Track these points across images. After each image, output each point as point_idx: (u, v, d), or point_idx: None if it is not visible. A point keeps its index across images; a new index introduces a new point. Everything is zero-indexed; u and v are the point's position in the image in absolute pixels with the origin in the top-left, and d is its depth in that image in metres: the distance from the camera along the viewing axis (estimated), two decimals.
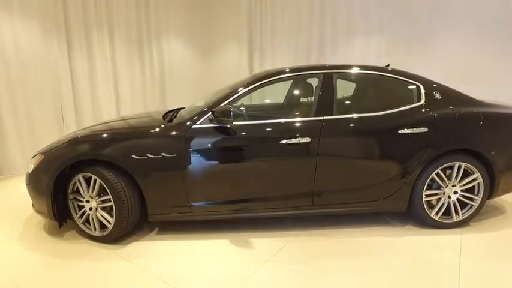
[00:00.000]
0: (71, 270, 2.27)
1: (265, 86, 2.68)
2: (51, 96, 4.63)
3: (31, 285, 2.12)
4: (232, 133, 2.53)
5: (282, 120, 2.66)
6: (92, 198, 2.56)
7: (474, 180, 2.69)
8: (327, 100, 2.66)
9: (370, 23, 5.11)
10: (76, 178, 2.57)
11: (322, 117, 2.59)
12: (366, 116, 2.66)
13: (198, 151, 2.53)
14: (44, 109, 4.57)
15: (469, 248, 2.47)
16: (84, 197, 2.59)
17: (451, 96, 2.79)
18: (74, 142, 2.58)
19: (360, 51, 5.27)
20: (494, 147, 2.66)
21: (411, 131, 2.58)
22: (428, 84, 2.78)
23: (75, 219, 2.67)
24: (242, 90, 2.64)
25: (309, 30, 5.65)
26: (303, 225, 2.83)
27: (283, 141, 2.51)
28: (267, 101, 3.70)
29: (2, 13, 4.05)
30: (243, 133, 2.56)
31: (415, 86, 2.77)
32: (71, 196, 2.63)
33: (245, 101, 3.03)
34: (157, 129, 2.60)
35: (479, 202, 2.72)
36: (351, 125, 2.62)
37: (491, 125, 2.69)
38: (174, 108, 3.40)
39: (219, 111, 2.42)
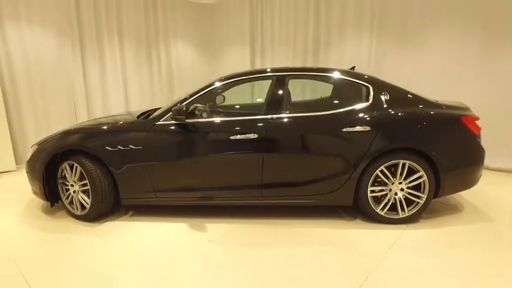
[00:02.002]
0: (53, 242, 2.74)
1: (222, 89, 2.99)
2: (66, 96, 5.27)
3: (19, 252, 2.60)
4: (189, 129, 2.88)
5: (233, 118, 2.95)
6: (75, 182, 3.03)
7: (419, 178, 2.80)
8: (276, 100, 2.92)
9: (361, 23, 5.20)
10: (63, 165, 3.05)
11: (270, 116, 2.85)
12: (312, 115, 2.87)
13: (159, 145, 2.91)
14: (60, 107, 5.21)
15: (404, 242, 2.61)
16: (69, 182, 3.06)
17: (400, 97, 2.91)
18: (62, 135, 3.06)
19: (351, 51, 5.38)
20: (437, 146, 2.76)
21: (354, 130, 2.76)
22: (378, 85, 2.93)
23: (63, 200, 3.16)
24: (200, 93, 2.98)
25: (305, 31, 5.85)
26: (258, 214, 3.11)
27: (233, 137, 2.81)
28: (239, 102, 4.00)
29: (23, 22, 4.71)
30: (198, 129, 2.89)
31: (364, 87, 2.93)
32: (60, 181, 3.12)
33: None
34: (128, 125, 3.01)
35: (424, 200, 2.83)
36: (297, 123, 2.85)
37: (435, 125, 2.78)
38: (154, 108, 3.80)
39: (175, 110, 2.77)
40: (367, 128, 2.75)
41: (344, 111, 2.85)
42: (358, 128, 2.76)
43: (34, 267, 2.36)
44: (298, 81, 4.97)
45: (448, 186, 2.85)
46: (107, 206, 3.04)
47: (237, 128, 2.84)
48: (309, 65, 5.87)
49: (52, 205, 3.22)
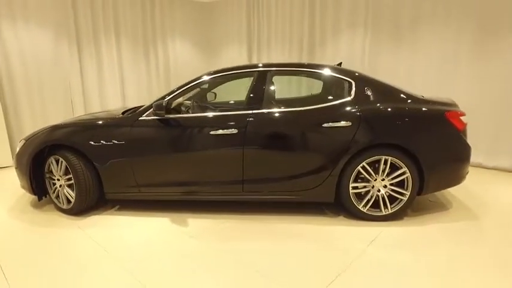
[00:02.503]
0: (38, 234, 2.78)
1: (202, 84, 3.01)
2: (63, 93, 5.35)
3: (4, 242, 2.66)
4: (170, 125, 2.89)
5: (214, 113, 2.95)
6: (61, 177, 3.08)
7: (403, 174, 2.76)
8: (257, 96, 2.91)
9: (355, 20, 5.15)
10: (50, 160, 3.10)
11: (250, 111, 2.85)
12: (292, 110, 2.86)
13: (141, 140, 2.93)
14: (57, 104, 5.29)
15: (384, 239, 2.57)
16: (55, 176, 3.11)
17: (384, 92, 2.87)
18: (48, 130, 3.10)
19: (346, 49, 5.33)
20: (420, 142, 2.71)
21: (334, 125, 2.73)
22: (361, 81, 2.89)
23: (50, 194, 3.21)
24: (182, 88, 3.00)
25: (300, 30, 5.83)
26: (241, 210, 3.10)
27: (212, 132, 2.81)
28: (230, 98, 4.00)
29: (20, 21, 4.79)
30: (179, 125, 2.90)
31: (347, 83, 2.90)
32: (47, 175, 3.17)
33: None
34: (111, 121, 3.05)
35: (407, 197, 2.79)
36: (276, 118, 2.83)
37: (418, 120, 2.74)
38: (141, 105, 3.83)
39: (155, 105, 2.79)
40: (348, 124, 2.72)
41: (325, 106, 2.83)
42: (338, 124, 2.73)
43: (12, 258, 2.40)
44: (293, 78, 4.97)
45: (432, 183, 2.80)
46: (91, 200, 3.07)
47: (217, 124, 2.85)
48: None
49: (40, 199, 3.27)
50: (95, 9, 5.54)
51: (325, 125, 2.75)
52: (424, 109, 2.77)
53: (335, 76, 2.95)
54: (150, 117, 2.94)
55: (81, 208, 3.07)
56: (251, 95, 2.94)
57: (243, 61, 6.81)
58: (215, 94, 3.88)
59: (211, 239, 2.64)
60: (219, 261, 2.32)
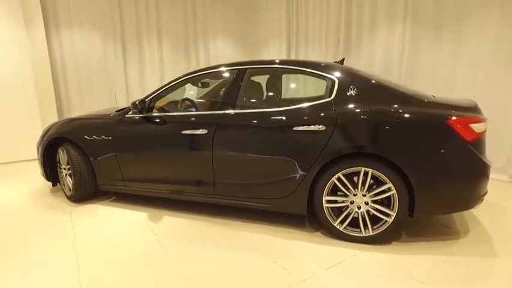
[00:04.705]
0: (34, 213, 3.16)
1: (182, 83, 2.97)
2: (109, 91, 5.93)
3: (10, 220, 3.05)
4: (148, 123, 2.94)
5: (187, 113, 2.89)
6: (65, 167, 3.40)
7: (388, 191, 2.30)
8: (231, 95, 2.74)
9: (394, 12, 4.51)
10: (59, 150, 3.45)
11: (222, 112, 2.70)
12: (263, 112, 2.62)
13: (124, 136, 3.04)
14: (103, 101, 5.89)
15: (349, 265, 2.18)
16: (62, 165, 3.45)
17: (373, 93, 2.43)
18: (58, 124, 3.46)
19: (383, 43, 4.72)
20: (410, 154, 2.22)
21: (306, 129, 2.42)
22: (346, 79, 2.50)
23: (60, 181, 3.57)
24: (164, 88, 3.01)
25: (337, 25, 5.39)
26: (217, 213, 2.99)
27: (184, 132, 2.76)
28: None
29: (76, 27, 5.48)
30: (156, 123, 2.92)
31: (330, 81, 2.54)
32: (58, 164, 3.54)
33: None
34: (104, 117, 3.24)
35: (393, 218, 2.32)
36: (246, 119, 2.63)
37: (409, 127, 2.24)
38: None
39: (132, 103, 2.86)
40: (321, 128, 2.38)
41: (298, 108, 2.52)
42: (310, 127, 2.41)
43: None
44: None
45: (427, 205, 2.27)
46: (86, 190, 3.31)
47: (189, 123, 2.78)
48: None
49: (54, 185, 3.68)
50: (139, 13, 6.00)
51: (295, 128, 2.45)
52: (419, 114, 2.25)
53: (317, 74, 2.60)
54: (133, 115, 3.03)
55: (78, 196, 3.33)
56: (225, 95, 2.79)
57: (282, 57, 6.61)
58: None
59: (170, 238, 2.60)
60: (158, 261, 2.26)
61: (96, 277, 2.11)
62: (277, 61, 2.75)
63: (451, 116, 2.20)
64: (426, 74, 4.32)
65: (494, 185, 3.65)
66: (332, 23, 5.48)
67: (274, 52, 6.83)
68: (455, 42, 3.97)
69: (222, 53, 7.07)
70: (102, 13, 5.67)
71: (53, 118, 5.11)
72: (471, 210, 2.80)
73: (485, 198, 2.37)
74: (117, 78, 5.99)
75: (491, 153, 3.74)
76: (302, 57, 6.22)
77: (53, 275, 2.14)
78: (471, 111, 2.34)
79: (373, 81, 2.51)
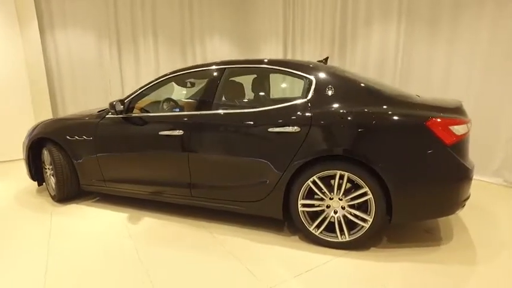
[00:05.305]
0: (17, 213, 3.16)
1: (161, 84, 2.93)
2: (104, 90, 5.94)
3: None
4: (126, 123, 2.90)
5: (164, 113, 2.84)
6: (48, 167, 3.39)
7: (364, 195, 2.21)
8: (208, 95, 2.68)
9: (389, 9, 4.39)
10: (43, 150, 3.44)
11: (198, 112, 2.65)
12: (240, 112, 2.55)
13: (104, 137, 3.01)
14: (99, 101, 5.89)
15: (321, 272, 2.10)
16: (46, 165, 3.44)
17: (351, 93, 2.33)
18: (42, 124, 3.45)
19: (378, 41, 4.60)
20: (386, 157, 2.13)
21: (281, 130, 2.34)
22: (323, 78, 2.41)
23: (45, 181, 3.57)
24: (143, 88, 2.98)
25: (332, 23, 5.29)
26: (195, 214, 2.94)
27: (160, 133, 2.71)
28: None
29: (69, 26, 5.49)
30: (133, 124, 2.88)
31: (307, 81, 2.45)
32: (43, 164, 3.54)
33: None
34: (86, 118, 3.21)
35: (370, 223, 2.23)
36: (222, 121, 2.57)
37: (385, 129, 2.14)
38: None
39: (110, 104, 2.83)
40: (296, 129, 2.30)
41: (272, 109, 2.45)
42: (285, 129, 2.33)
43: None
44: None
45: (404, 211, 2.17)
46: (68, 191, 3.30)
47: (166, 124, 2.73)
48: (335, 58, 5.26)
49: (39, 185, 3.68)
50: (135, 12, 5.98)
51: (270, 129, 2.38)
52: (395, 115, 2.14)
53: (295, 73, 2.52)
54: (111, 116, 3.01)
55: (61, 196, 3.32)
56: (202, 95, 2.73)
57: (278, 56, 6.52)
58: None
59: (144, 241, 2.56)
60: (126, 264, 2.22)
61: (60, 279, 2.08)
62: (257, 60, 2.68)
63: (431, 117, 2.10)
64: (421, 71, 4.19)
65: (488, 189, 3.54)
66: (328, 22, 5.38)
67: (271, 51, 6.75)
68: (450, 39, 3.83)
69: (218, 52, 7.02)
70: (97, 13, 5.68)
71: (47, 118, 5.13)
72: (457, 215, 2.71)
73: (475, 202, 2.27)
74: (113, 78, 6.00)
75: (486, 156, 3.63)
76: (299, 56, 6.13)
77: (19, 275, 2.12)
78: (454, 112, 2.23)
79: (353, 81, 2.41)
